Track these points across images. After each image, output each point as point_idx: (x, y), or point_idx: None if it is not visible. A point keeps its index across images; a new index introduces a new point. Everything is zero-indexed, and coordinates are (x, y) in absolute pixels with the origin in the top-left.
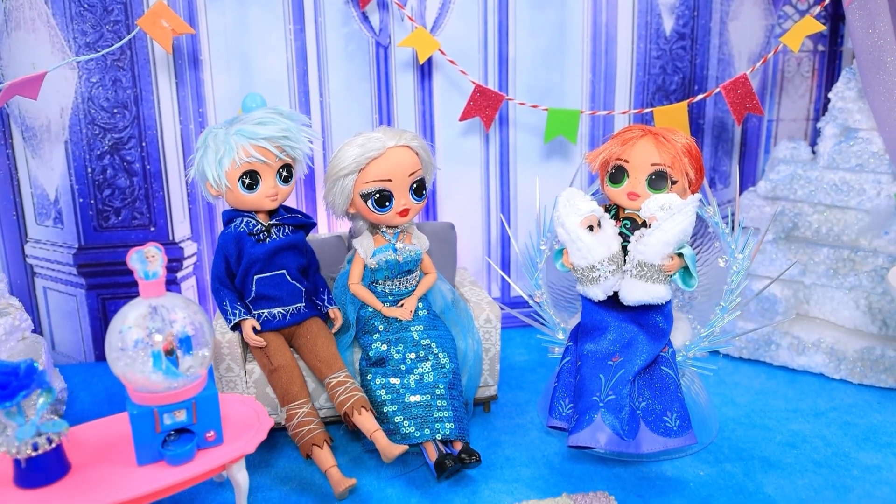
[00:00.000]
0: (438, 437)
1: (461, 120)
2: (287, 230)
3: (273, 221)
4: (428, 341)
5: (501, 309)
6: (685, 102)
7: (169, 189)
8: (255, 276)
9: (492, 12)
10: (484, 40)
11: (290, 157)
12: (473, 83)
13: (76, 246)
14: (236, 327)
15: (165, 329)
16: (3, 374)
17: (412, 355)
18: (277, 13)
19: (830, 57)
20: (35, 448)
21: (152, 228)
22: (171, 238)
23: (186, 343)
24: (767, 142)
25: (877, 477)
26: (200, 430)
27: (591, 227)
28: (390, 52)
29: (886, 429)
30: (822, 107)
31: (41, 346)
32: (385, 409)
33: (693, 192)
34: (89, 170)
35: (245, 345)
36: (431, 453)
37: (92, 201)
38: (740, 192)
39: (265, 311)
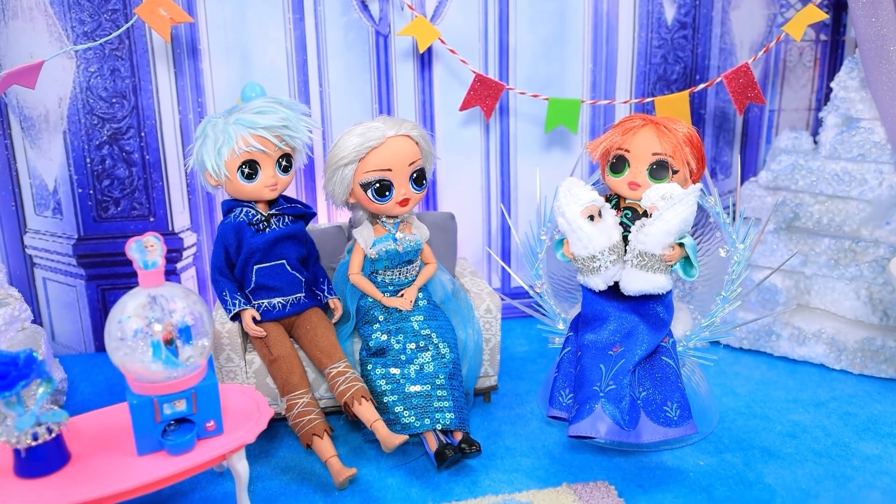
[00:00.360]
0: (439, 426)
1: (461, 109)
2: (287, 220)
3: (273, 211)
4: (428, 331)
5: (502, 299)
6: (686, 92)
7: (168, 179)
8: (255, 266)
9: (492, 1)
10: (484, 29)
11: (290, 146)
12: (474, 72)
13: (75, 236)
14: (236, 317)
15: (165, 319)
16: (3, 363)
17: (412, 345)
18: (276, 2)
19: (833, 46)
20: (35, 438)
21: (152, 219)
22: (170, 228)
23: (186, 333)
24: (769, 132)
25: (877, 467)
26: (200, 419)
27: (591, 217)
28: (390, 41)
29: (886, 419)
30: (823, 96)
31: (41, 336)
32: (385, 399)
33: (694, 182)
34: (88, 160)
35: (245, 335)
36: (432, 443)
37: (91, 192)
38: (741, 182)
39: (265, 301)
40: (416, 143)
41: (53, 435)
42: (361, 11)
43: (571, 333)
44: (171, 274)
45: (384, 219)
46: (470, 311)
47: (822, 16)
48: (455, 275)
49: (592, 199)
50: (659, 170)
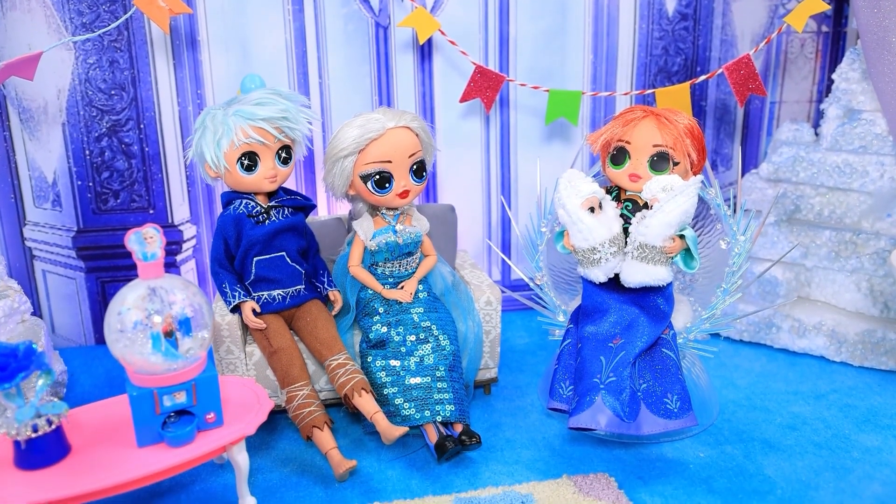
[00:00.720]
0: (439, 418)
1: (462, 101)
2: (286, 212)
3: (272, 203)
4: (428, 323)
5: (502, 291)
6: (687, 84)
7: (168, 172)
8: (255, 259)
9: None
10: (484, 21)
11: (289, 138)
12: (474, 64)
13: (75, 229)
14: (236, 309)
15: (164, 311)
16: (2, 355)
17: (412, 337)
18: None
19: (834, 37)
20: (35, 429)
21: (151, 211)
22: (170, 221)
23: (186, 325)
24: (770, 124)
25: (877, 459)
26: (200, 411)
27: (592, 209)
28: (390, 32)
29: (886, 411)
30: (825, 88)
31: (41, 328)
32: (385, 392)
33: (695, 174)
34: (87, 152)
35: (245, 327)
36: (432, 435)
37: (90, 184)
38: (742, 175)
39: (265, 293)
40: (416, 135)
41: (53, 427)
42: (361, 3)
43: (572, 325)
44: (171, 266)
45: (384, 211)
46: (470, 304)
47: (824, 7)
48: (455, 267)
49: (593, 191)
50: (660, 161)
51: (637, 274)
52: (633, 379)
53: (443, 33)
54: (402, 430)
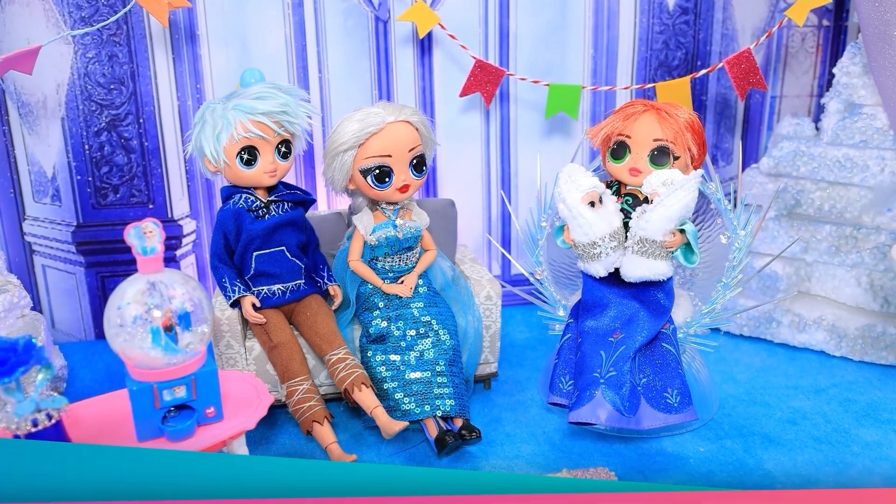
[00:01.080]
0: (439, 413)
1: (461, 96)
2: (286, 206)
3: (272, 198)
4: (428, 318)
5: (502, 286)
6: (688, 78)
7: (167, 166)
8: (255, 253)
9: None
10: (485, 15)
11: (289, 132)
12: (474, 58)
13: (74, 224)
14: (235, 304)
15: (164, 305)
16: (2, 350)
17: (412, 332)
18: None
19: (835, 32)
20: (34, 424)
21: (151, 206)
22: (169, 215)
23: (185, 319)
24: (770, 118)
25: (876, 453)
26: (200, 406)
27: (592, 203)
28: (390, 26)
29: (886, 406)
30: (826, 82)
31: (40, 323)
32: (385, 386)
33: (695, 168)
34: (87, 147)
35: (245, 322)
36: (432, 430)
37: (90, 178)
38: (743, 169)
39: (264, 287)
40: (416, 129)
41: (53, 421)
42: None
43: (572, 320)
44: (171, 261)
45: (384, 205)
46: (470, 298)
47: (825, 0)
48: (455, 262)
49: (593, 186)
50: (660, 156)
51: (637, 268)
52: (633, 373)
53: (443, 27)
54: (402, 424)
